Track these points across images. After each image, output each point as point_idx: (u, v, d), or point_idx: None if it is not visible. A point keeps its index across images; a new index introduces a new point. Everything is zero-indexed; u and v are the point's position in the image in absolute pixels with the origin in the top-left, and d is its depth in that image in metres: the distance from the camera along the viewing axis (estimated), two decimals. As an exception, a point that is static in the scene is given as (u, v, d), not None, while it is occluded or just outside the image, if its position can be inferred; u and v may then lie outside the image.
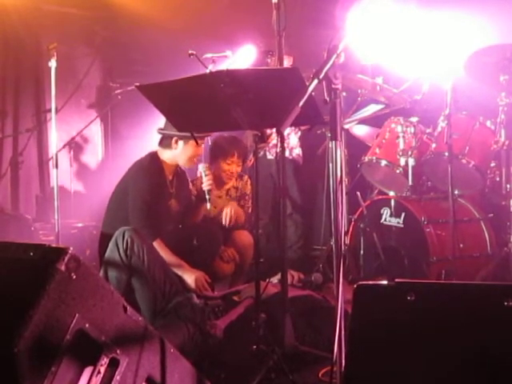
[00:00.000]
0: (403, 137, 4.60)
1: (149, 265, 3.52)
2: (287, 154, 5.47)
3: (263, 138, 2.73)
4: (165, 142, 4.05)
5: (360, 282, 1.82)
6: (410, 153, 4.55)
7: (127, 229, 3.58)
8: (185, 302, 3.49)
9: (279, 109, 2.11)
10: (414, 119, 4.66)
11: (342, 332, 2.13)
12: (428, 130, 4.62)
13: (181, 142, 4.00)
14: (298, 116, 2.09)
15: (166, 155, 4.07)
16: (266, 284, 3.27)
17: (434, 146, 4.42)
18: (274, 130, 3.37)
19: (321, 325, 3.47)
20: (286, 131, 5.38)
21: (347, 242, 4.51)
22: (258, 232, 3.21)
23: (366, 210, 4.60)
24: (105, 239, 3.77)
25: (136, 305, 3.44)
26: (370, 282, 1.83)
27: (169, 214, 4.12)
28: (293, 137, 5.62)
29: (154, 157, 4.08)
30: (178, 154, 4.04)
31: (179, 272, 3.79)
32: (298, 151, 5.65)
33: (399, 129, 4.61)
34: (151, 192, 3.92)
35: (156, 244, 3.78)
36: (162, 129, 4.03)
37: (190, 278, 3.78)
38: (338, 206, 2.21)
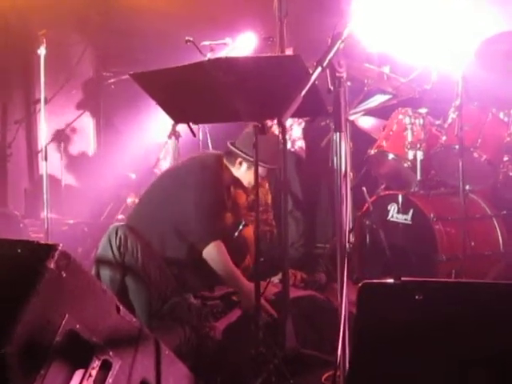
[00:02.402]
0: (411, 129, 4.59)
1: (143, 263, 3.51)
2: (289, 146, 5.46)
3: (263, 130, 2.72)
4: (230, 157, 3.89)
5: (365, 281, 1.82)
6: (418, 146, 4.54)
7: (120, 225, 3.57)
8: (181, 303, 3.49)
9: (281, 98, 2.11)
10: (423, 110, 4.65)
11: (346, 334, 2.13)
12: (438, 122, 4.61)
13: (244, 165, 3.85)
14: (301, 106, 2.09)
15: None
16: (266, 284, 3.27)
17: (444, 138, 4.41)
18: (275, 121, 3.36)
19: (324, 327, 3.47)
20: (289, 122, 5.37)
21: (352, 239, 4.51)
22: (259, 230, 3.21)
23: (372, 206, 4.59)
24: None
25: (130, 305, 3.44)
26: (376, 281, 1.83)
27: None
28: (296, 128, 5.60)
29: (218, 159, 3.92)
30: (238, 175, 3.89)
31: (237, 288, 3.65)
32: (300, 144, 5.63)
33: (407, 120, 4.61)
34: (218, 192, 3.76)
35: (216, 246, 3.63)
36: (233, 143, 3.88)
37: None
38: (342, 201, 2.21)
